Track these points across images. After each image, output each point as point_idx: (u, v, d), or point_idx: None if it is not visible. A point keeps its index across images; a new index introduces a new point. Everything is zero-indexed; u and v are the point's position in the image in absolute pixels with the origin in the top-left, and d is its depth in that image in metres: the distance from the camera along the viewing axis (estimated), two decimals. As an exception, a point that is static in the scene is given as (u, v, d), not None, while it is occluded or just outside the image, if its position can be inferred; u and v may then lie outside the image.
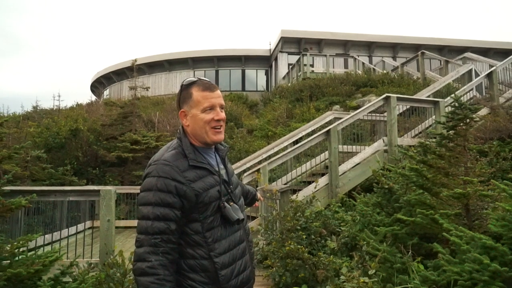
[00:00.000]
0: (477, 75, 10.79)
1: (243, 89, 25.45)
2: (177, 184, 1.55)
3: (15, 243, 3.25)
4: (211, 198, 1.61)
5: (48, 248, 5.20)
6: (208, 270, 1.58)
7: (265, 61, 26.28)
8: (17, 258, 3.23)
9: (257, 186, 7.12)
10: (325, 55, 19.91)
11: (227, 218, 1.63)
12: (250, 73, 26.82)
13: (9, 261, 3.13)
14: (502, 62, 10.53)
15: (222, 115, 1.68)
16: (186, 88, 1.69)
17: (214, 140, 1.68)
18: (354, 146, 7.94)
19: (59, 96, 18.82)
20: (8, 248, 3.22)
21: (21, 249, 3.37)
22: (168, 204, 1.53)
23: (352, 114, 7.88)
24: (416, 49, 21.67)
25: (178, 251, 1.57)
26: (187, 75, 26.44)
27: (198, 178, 1.60)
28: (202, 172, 1.63)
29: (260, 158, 8.90)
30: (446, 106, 7.73)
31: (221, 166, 1.76)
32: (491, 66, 11.21)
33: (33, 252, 3.88)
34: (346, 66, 20.05)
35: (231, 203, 1.68)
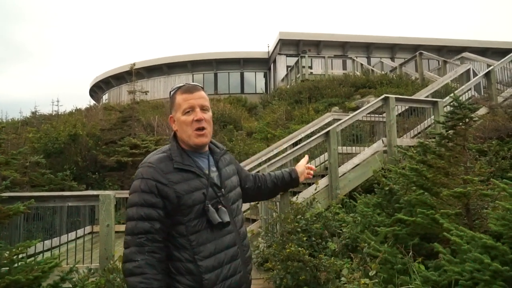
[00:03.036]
0: (475, 74, 10.80)
1: (242, 91, 25.46)
2: (158, 184, 1.57)
3: (14, 250, 3.23)
4: (195, 201, 1.61)
5: (47, 254, 5.18)
6: (193, 273, 1.57)
7: (264, 64, 26.30)
8: (16, 265, 3.22)
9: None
10: (324, 57, 19.93)
11: (210, 221, 1.62)
12: (249, 75, 26.84)
13: (8, 268, 3.12)
14: (500, 62, 10.52)
15: (201, 115, 1.68)
16: (172, 95, 1.75)
17: (196, 143, 1.69)
18: (353, 147, 7.93)
19: (57, 101, 18.78)
20: (7, 255, 3.21)
21: (20, 256, 3.35)
22: (151, 204, 1.56)
23: (351, 115, 7.88)
24: (414, 49, 21.69)
25: (166, 251, 1.59)
26: (186, 79, 26.46)
27: (182, 181, 1.61)
28: (188, 175, 1.64)
29: (259, 161, 8.90)
30: (445, 106, 7.71)
31: (213, 169, 1.75)
32: (489, 65, 11.21)
33: (32, 258, 3.87)
34: (344, 68, 20.08)
35: (220, 206, 1.66)
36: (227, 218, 1.64)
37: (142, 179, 1.59)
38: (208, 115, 1.72)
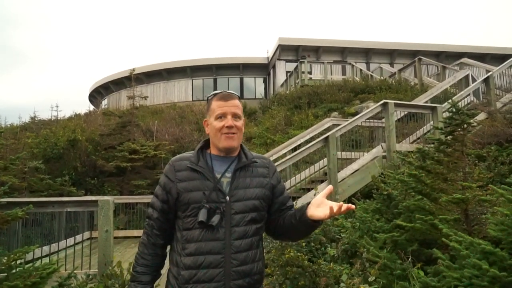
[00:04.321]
0: (474, 80, 10.83)
1: (242, 97, 24.97)
2: (166, 180, 1.77)
3: (12, 256, 3.22)
4: (191, 200, 1.69)
5: (46, 260, 5.17)
6: (178, 265, 1.70)
7: (263, 69, 26.37)
8: (14, 271, 3.20)
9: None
10: (323, 62, 19.99)
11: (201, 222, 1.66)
12: (248, 81, 26.89)
13: (5, 274, 3.11)
14: (498, 67, 10.56)
15: (232, 122, 1.75)
16: (209, 100, 1.87)
17: (224, 146, 1.76)
18: (352, 153, 7.94)
19: (57, 106, 18.85)
20: (5, 261, 3.20)
21: (18, 261, 3.34)
22: (157, 196, 1.79)
23: (351, 120, 7.90)
24: (413, 55, 21.74)
25: (162, 239, 1.79)
26: (185, 84, 26.53)
27: (187, 179, 1.73)
28: (195, 175, 1.74)
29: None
30: (443, 112, 7.74)
31: (228, 175, 1.76)
32: (487, 71, 11.26)
33: (30, 264, 3.85)
34: (344, 73, 20.13)
35: (218, 211, 1.67)
36: (213, 220, 1.65)
37: (162, 174, 1.82)
38: (240, 122, 1.80)
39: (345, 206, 1.60)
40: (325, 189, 1.73)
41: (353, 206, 1.63)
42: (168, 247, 1.84)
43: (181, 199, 1.70)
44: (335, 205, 1.60)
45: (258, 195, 1.77)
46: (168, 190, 1.74)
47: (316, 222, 1.69)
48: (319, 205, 1.66)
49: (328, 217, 1.62)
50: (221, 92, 1.84)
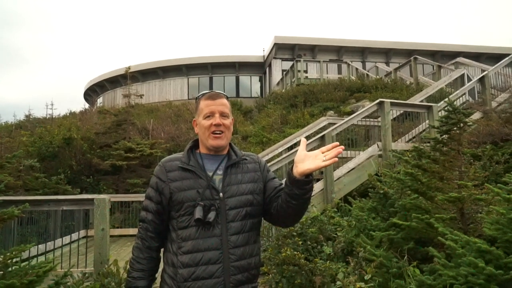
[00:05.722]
0: (469, 79, 10.87)
1: (237, 95, 25.47)
2: (158, 181, 1.78)
3: (8, 254, 3.20)
4: (185, 198, 1.70)
5: (42, 258, 5.15)
6: (174, 265, 1.70)
7: (259, 68, 26.35)
8: (10, 269, 3.19)
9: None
10: (319, 61, 20.02)
11: (196, 218, 1.66)
12: (244, 79, 26.87)
13: (2, 272, 3.09)
14: (493, 67, 10.60)
15: (220, 121, 1.78)
16: (197, 100, 1.89)
17: (212, 145, 1.79)
18: (348, 151, 7.95)
19: (52, 104, 18.84)
20: (1, 259, 3.18)
21: (14, 260, 3.32)
22: (150, 197, 1.79)
23: (346, 119, 7.91)
24: (409, 54, 21.80)
25: (158, 241, 1.79)
26: (181, 83, 26.48)
27: (179, 179, 1.74)
28: (187, 174, 1.75)
29: (255, 165, 8.87)
30: (439, 111, 7.77)
31: (219, 172, 1.79)
32: (483, 70, 11.30)
33: (26, 262, 3.84)
34: (339, 72, 20.18)
35: (212, 208, 1.68)
36: (209, 217, 1.66)
37: (152, 176, 1.83)
38: (228, 121, 1.82)
39: (330, 146, 1.62)
40: (301, 142, 1.72)
41: (342, 147, 1.62)
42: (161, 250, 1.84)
43: (174, 198, 1.71)
44: (323, 148, 1.62)
45: (251, 189, 1.81)
46: (161, 191, 1.75)
47: (307, 177, 1.63)
48: (303, 160, 1.63)
49: (319, 166, 1.59)
50: (209, 92, 1.86)
